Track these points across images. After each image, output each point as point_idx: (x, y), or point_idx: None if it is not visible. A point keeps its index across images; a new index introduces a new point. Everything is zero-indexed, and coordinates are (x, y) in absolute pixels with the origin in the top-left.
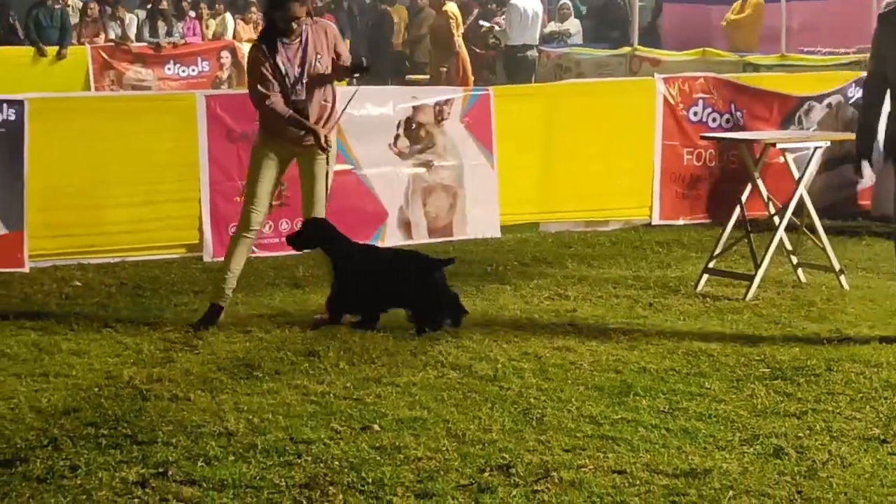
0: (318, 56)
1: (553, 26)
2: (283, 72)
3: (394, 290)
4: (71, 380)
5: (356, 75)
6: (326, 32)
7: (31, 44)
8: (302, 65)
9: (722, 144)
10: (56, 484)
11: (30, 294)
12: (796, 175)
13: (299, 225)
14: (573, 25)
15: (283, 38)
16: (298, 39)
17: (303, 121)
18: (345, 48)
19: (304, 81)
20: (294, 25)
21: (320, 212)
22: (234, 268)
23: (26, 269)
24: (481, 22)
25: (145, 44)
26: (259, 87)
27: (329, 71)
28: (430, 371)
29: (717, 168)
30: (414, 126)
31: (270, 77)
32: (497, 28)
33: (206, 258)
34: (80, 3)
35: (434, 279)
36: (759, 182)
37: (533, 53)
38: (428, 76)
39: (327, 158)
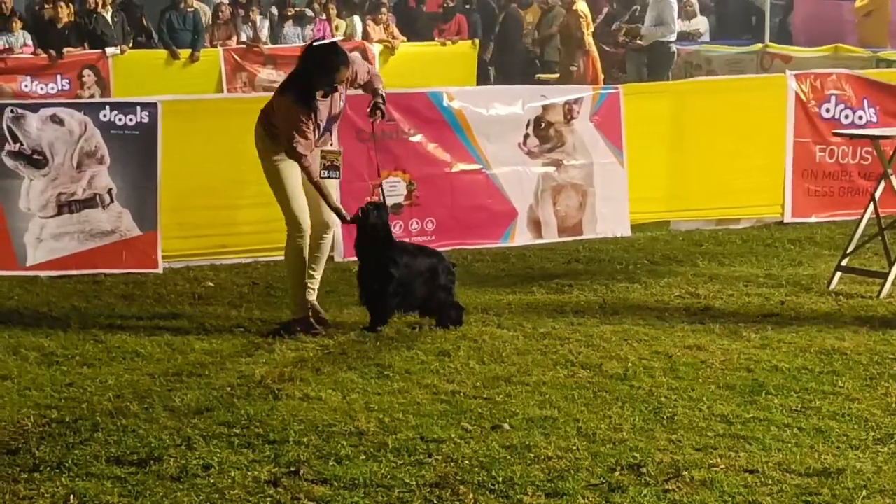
0: (341, 96)
1: (682, 25)
2: (320, 123)
3: (430, 288)
4: (204, 379)
5: (376, 116)
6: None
7: (164, 47)
8: (331, 114)
9: (854, 141)
10: (189, 483)
11: (163, 294)
12: None
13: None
14: (702, 24)
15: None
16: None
17: (332, 201)
18: (363, 68)
19: (332, 127)
20: (340, 89)
21: (331, 216)
22: (309, 275)
23: (160, 270)
24: (620, 24)
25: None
26: (297, 146)
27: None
28: (561, 370)
29: (849, 165)
30: (543, 125)
31: (309, 135)
32: (640, 26)
33: (338, 258)
34: (212, 6)
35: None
36: (893, 178)
37: (672, 48)
38: (557, 75)
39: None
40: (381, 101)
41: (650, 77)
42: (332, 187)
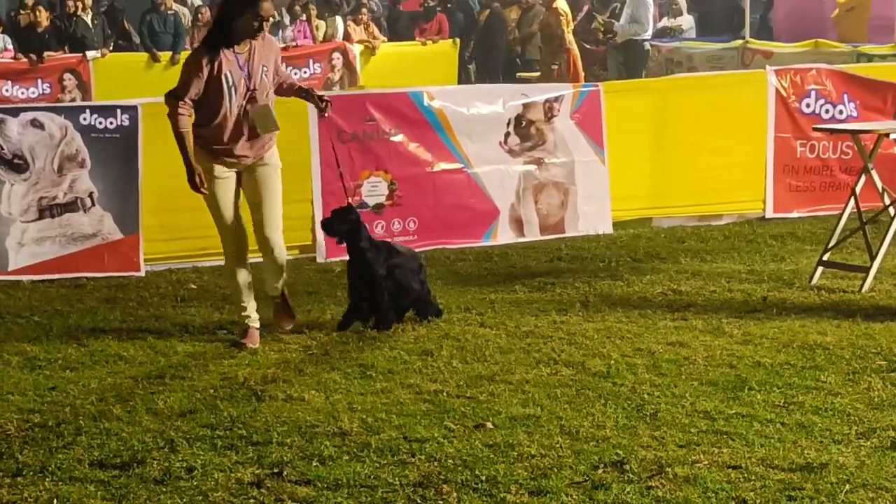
0: (265, 69)
1: (666, 22)
2: (230, 81)
3: (408, 286)
4: (187, 382)
5: (324, 114)
6: (272, 47)
7: (145, 50)
8: (251, 76)
9: (835, 135)
10: (172, 485)
11: (145, 297)
12: None
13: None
14: (686, 21)
15: (233, 47)
16: (248, 49)
17: (188, 155)
18: (283, 67)
19: (254, 94)
20: (265, 26)
21: (276, 236)
22: (248, 295)
23: (142, 273)
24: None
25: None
26: (178, 91)
27: (272, 88)
28: (543, 368)
29: (830, 159)
30: (524, 123)
31: (194, 89)
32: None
33: (320, 259)
34: (192, 9)
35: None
36: (874, 173)
37: (646, 45)
38: (538, 73)
39: (274, 177)
40: (316, 93)
41: (625, 75)
42: (275, 204)
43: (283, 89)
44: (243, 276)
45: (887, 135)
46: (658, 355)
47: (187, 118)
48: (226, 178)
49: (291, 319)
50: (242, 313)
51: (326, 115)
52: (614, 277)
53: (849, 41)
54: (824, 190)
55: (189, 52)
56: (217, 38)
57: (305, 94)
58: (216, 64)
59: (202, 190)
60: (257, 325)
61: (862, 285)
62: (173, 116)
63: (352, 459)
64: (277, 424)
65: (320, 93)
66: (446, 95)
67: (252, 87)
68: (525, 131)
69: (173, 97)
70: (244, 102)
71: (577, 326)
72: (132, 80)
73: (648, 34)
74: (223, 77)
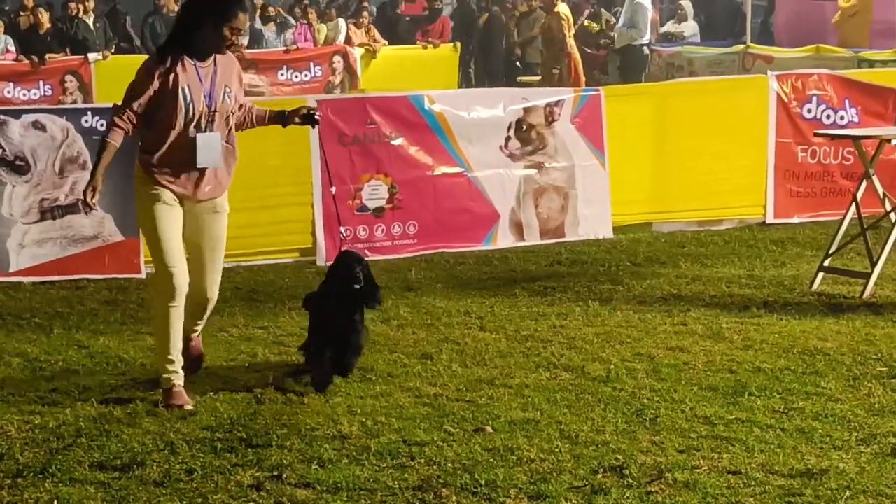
0: (228, 90)
1: (670, 26)
2: (188, 98)
3: None
4: (187, 384)
5: (316, 124)
6: (233, 65)
7: (147, 52)
8: (211, 95)
9: (836, 141)
10: (172, 488)
11: (146, 299)
12: None
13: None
14: (689, 28)
15: (195, 59)
16: (212, 64)
17: (99, 164)
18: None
19: (214, 116)
20: (238, 39)
21: (213, 289)
22: (177, 343)
23: (142, 275)
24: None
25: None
26: (123, 102)
27: (234, 116)
28: (543, 372)
29: (831, 165)
30: (525, 127)
31: (143, 97)
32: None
33: (320, 262)
34: None
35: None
36: (875, 178)
37: (645, 50)
38: (539, 77)
39: (221, 227)
40: (305, 109)
41: (623, 80)
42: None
43: (253, 119)
44: (176, 321)
45: (889, 140)
46: (658, 360)
47: (121, 132)
48: (173, 204)
49: (199, 360)
50: (168, 367)
51: (319, 123)
52: (614, 282)
53: (850, 46)
54: (825, 195)
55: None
56: (177, 46)
57: (281, 115)
58: (172, 75)
59: (90, 203)
60: (182, 381)
61: (863, 291)
62: (109, 124)
63: (351, 463)
64: (277, 427)
65: (302, 98)
66: (447, 99)
67: (213, 108)
68: (526, 135)
69: (117, 107)
70: (201, 124)
71: (576, 331)
72: None
73: (646, 39)
74: (180, 91)
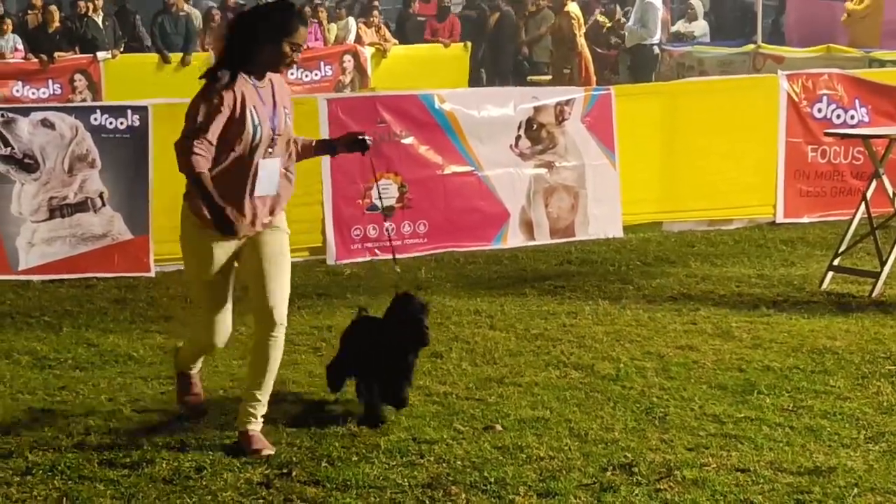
0: (287, 112)
1: (680, 26)
2: (255, 121)
3: None
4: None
5: (363, 152)
6: (285, 86)
7: (156, 51)
8: (274, 118)
9: (846, 140)
10: (182, 485)
11: (156, 298)
12: None
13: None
14: (700, 27)
15: (252, 79)
16: (269, 84)
17: (211, 195)
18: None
19: (276, 140)
20: (296, 58)
21: (283, 308)
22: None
23: (152, 274)
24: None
25: None
26: (195, 130)
27: (290, 133)
28: (553, 371)
29: (841, 164)
30: (535, 127)
31: (216, 124)
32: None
33: (330, 261)
34: (203, 10)
35: None
36: (884, 178)
37: (655, 50)
38: (549, 77)
39: (282, 243)
40: (353, 136)
41: (633, 79)
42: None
43: (300, 148)
44: (200, 358)
45: None
46: (667, 359)
47: (205, 159)
48: (221, 242)
49: (201, 411)
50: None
51: (369, 148)
52: (624, 281)
53: (861, 46)
54: (835, 195)
55: (201, 85)
56: (236, 65)
57: (328, 144)
58: (239, 96)
59: (236, 226)
60: (260, 424)
61: (872, 290)
62: (187, 156)
63: (361, 460)
64: (286, 425)
65: (311, 97)
66: (457, 98)
67: (276, 132)
68: (536, 134)
69: (187, 136)
70: (265, 149)
71: (586, 329)
72: (143, 81)
73: (656, 39)
74: (248, 113)
